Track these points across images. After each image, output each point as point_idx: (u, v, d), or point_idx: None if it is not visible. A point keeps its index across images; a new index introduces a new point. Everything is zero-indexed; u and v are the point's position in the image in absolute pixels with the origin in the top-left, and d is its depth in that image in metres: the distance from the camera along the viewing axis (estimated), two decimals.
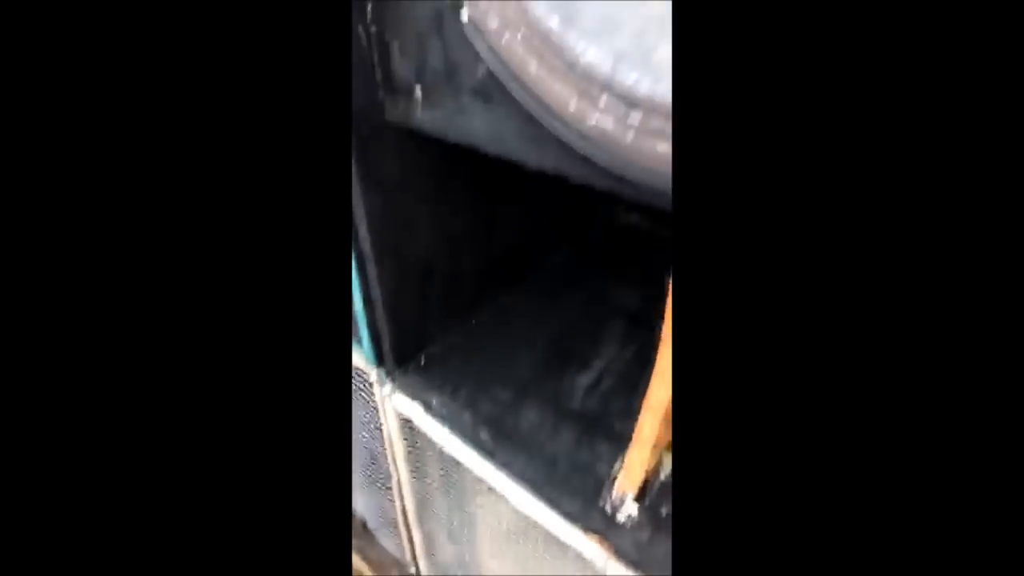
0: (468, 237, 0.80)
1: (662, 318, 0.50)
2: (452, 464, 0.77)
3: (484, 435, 0.72)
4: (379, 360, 0.80)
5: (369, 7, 0.51)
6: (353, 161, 0.58)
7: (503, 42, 0.39)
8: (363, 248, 0.66)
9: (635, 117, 0.35)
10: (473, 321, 0.89)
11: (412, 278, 0.74)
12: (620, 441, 0.70)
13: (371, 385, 0.84)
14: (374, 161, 0.60)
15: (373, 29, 0.52)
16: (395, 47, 0.51)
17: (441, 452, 0.77)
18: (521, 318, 0.90)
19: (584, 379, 0.80)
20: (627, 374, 0.81)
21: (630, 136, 0.36)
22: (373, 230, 0.65)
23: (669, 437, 0.66)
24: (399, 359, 0.79)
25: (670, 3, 0.33)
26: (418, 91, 0.52)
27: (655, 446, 0.63)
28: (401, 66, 0.52)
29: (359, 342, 0.79)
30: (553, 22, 0.36)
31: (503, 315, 0.90)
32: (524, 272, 0.97)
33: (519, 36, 0.38)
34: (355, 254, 0.67)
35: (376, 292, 0.71)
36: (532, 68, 0.38)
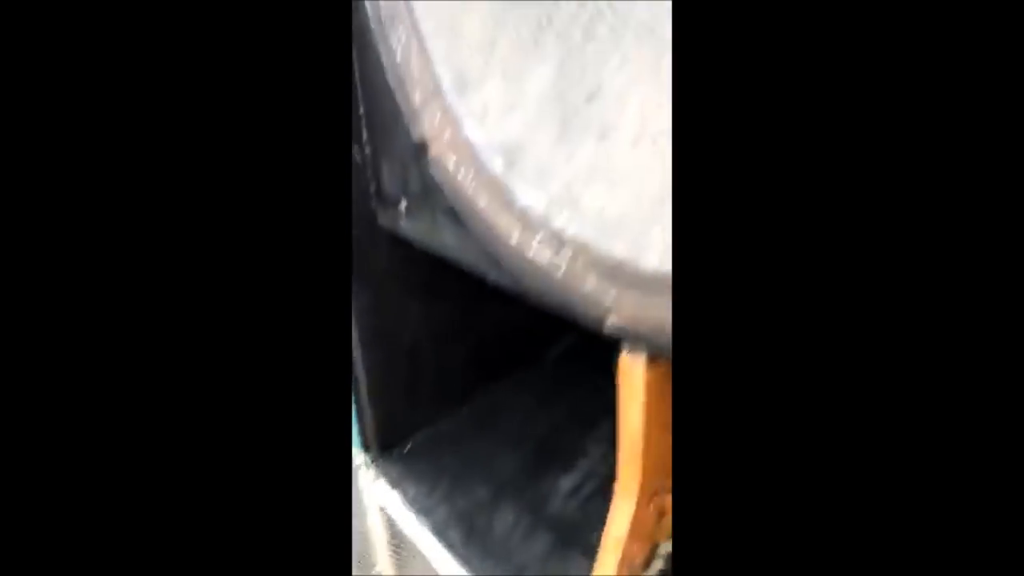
0: (459, 328, 0.82)
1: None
2: (425, 559, 0.76)
3: (454, 534, 0.71)
4: (365, 446, 0.81)
5: (364, 132, 0.57)
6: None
7: (459, 178, 0.43)
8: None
9: (564, 255, 0.38)
10: (465, 410, 0.90)
11: (399, 366, 0.77)
12: (594, 554, 0.67)
13: (356, 469, 0.85)
14: (363, 256, 0.65)
15: (368, 150, 0.58)
16: (385, 167, 0.57)
17: (414, 545, 0.76)
18: (512, 411, 0.90)
19: (566, 482, 0.79)
20: (611, 478, 0.79)
21: (562, 271, 0.39)
22: (359, 320, 0.68)
23: (639, 557, 0.63)
24: (383, 445, 0.81)
25: (599, 155, 0.37)
26: (403, 205, 0.57)
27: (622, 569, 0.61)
28: (389, 183, 0.58)
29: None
30: (497, 166, 0.40)
31: (494, 406, 0.91)
32: (520, 364, 0.98)
33: (470, 175, 0.42)
34: None
35: (361, 378, 0.74)
36: (482, 202, 0.42)
